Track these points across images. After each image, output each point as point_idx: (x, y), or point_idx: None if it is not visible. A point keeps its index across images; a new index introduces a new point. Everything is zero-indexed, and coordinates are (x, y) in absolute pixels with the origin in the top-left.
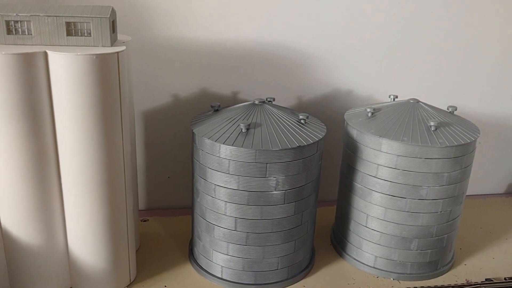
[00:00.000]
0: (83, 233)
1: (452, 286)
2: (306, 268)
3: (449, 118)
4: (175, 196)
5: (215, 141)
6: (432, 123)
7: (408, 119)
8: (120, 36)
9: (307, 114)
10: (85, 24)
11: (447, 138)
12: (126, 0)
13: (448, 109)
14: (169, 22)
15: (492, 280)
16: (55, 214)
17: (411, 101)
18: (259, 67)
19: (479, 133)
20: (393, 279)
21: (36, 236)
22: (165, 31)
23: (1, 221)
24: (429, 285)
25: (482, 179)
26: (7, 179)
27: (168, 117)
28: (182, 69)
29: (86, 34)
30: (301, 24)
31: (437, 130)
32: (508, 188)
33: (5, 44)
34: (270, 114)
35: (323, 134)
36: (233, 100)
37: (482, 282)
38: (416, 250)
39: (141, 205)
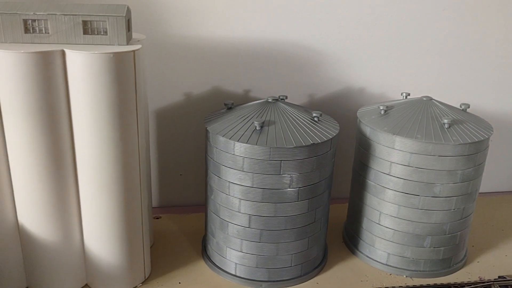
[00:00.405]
0: (99, 231)
1: (465, 284)
2: (319, 265)
3: (462, 116)
4: (187, 194)
5: (230, 138)
6: (445, 121)
7: (421, 116)
8: (134, 35)
9: (320, 112)
10: (101, 22)
11: (460, 135)
12: None
13: (461, 106)
14: (182, 20)
15: (505, 278)
16: (72, 212)
17: (424, 98)
18: (271, 65)
19: (493, 131)
20: (406, 277)
21: (53, 233)
22: (178, 30)
23: (18, 219)
24: (442, 282)
25: (494, 176)
26: (24, 177)
27: (181, 115)
28: (194, 68)
29: (102, 33)
30: (313, 22)
31: (451, 127)
32: None
33: (23, 43)
34: (283, 112)
35: (337, 131)
36: (246, 98)
37: (495, 279)
38: (429, 248)
39: (154, 203)
